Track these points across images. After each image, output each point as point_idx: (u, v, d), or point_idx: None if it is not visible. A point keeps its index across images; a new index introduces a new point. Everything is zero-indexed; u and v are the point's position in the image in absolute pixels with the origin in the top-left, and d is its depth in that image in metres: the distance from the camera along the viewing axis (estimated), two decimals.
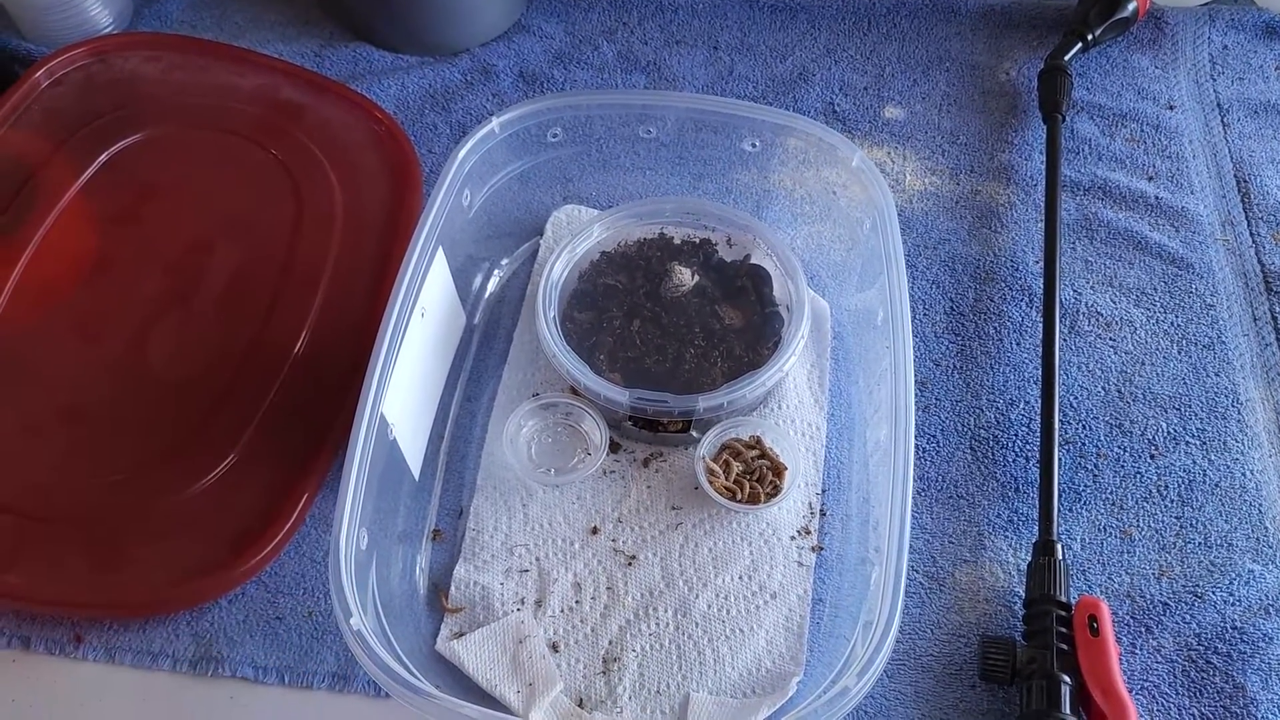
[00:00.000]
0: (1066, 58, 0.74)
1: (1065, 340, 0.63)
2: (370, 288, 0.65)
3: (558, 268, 0.62)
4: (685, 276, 0.62)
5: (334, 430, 0.59)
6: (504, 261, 0.68)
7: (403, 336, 0.55)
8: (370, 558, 0.51)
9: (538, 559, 0.56)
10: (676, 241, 0.65)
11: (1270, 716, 0.51)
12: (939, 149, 0.73)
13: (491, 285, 0.67)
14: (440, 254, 0.59)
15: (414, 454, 0.58)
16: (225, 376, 0.61)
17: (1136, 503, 0.58)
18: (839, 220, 0.66)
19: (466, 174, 0.61)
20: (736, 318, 0.61)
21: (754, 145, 0.66)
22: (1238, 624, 0.53)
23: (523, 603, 0.55)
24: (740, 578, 0.55)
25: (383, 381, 0.53)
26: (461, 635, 0.53)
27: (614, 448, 0.59)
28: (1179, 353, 0.63)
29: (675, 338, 0.60)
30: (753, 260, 0.64)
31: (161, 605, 0.55)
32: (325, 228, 0.68)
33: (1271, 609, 0.54)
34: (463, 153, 0.61)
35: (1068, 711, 0.48)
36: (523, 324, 0.65)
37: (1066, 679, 0.49)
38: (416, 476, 0.58)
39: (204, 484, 0.58)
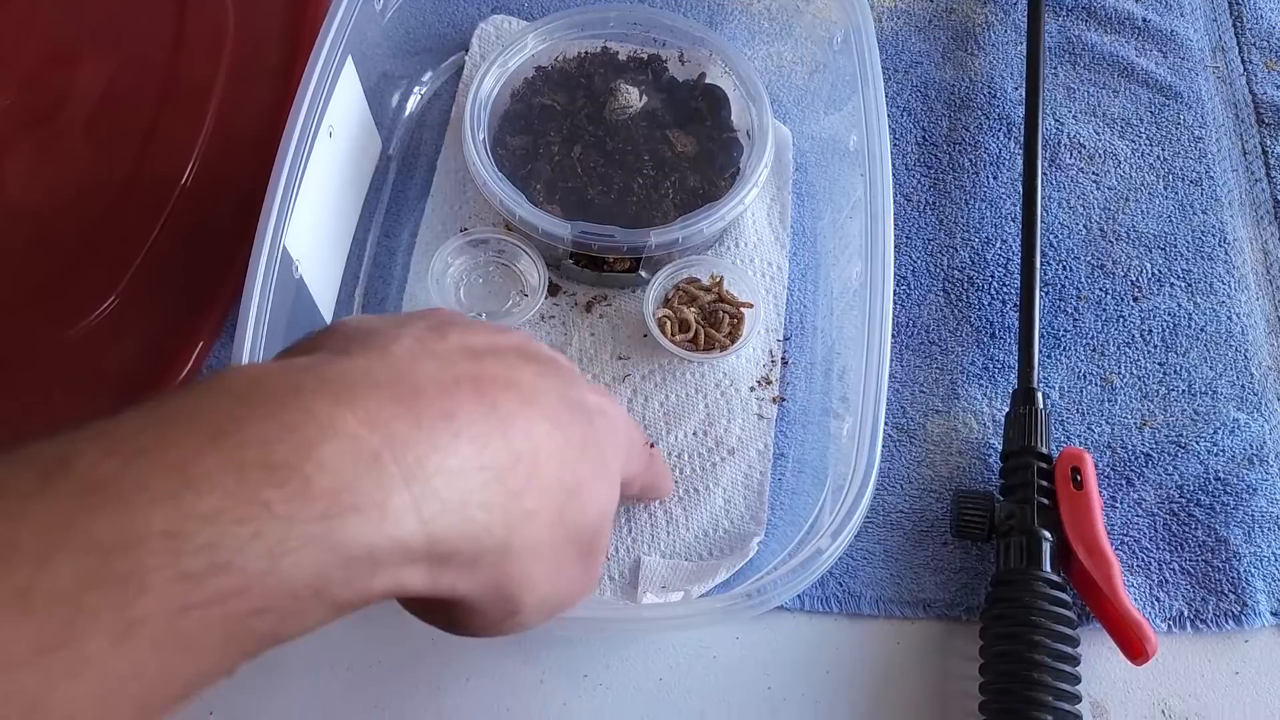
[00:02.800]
0: None
1: (1045, 174, 0.58)
2: (270, 109, 0.56)
3: (487, 84, 0.54)
4: (632, 96, 0.55)
5: (233, 269, 0.52)
6: (425, 78, 0.60)
7: (307, 159, 0.47)
8: None
9: None
10: (622, 57, 0.57)
11: (1253, 570, 0.48)
12: None
13: (411, 106, 0.59)
14: (350, 65, 0.51)
15: (325, 296, 0.51)
16: (99, 208, 0.53)
17: (1118, 348, 0.54)
18: (802, 38, 0.59)
19: None
20: (690, 144, 0.54)
21: None
22: (1221, 475, 0.50)
23: None
24: (695, 433, 0.50)
25: (284, 211, 0.45)
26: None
27: (553, 290, 0.53)
28: (1165, 188, 0.59)
29: (621, 166, 0.53)
30: (708, 80, 0.57)
31: None
32: (214, 39, 0.58)
33: (1256, 459, 0.51)
34: None
35: (1048, 569, 0.45)
36: (447, 150, 0.57)
37: (1047, 535, 0.46)
38: (329, 321, 0.51)
39: (79, 330, 0.50)
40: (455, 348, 0.30)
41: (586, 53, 0.57)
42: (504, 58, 0.55)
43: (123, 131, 0.55)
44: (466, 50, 0.60)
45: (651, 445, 0.41)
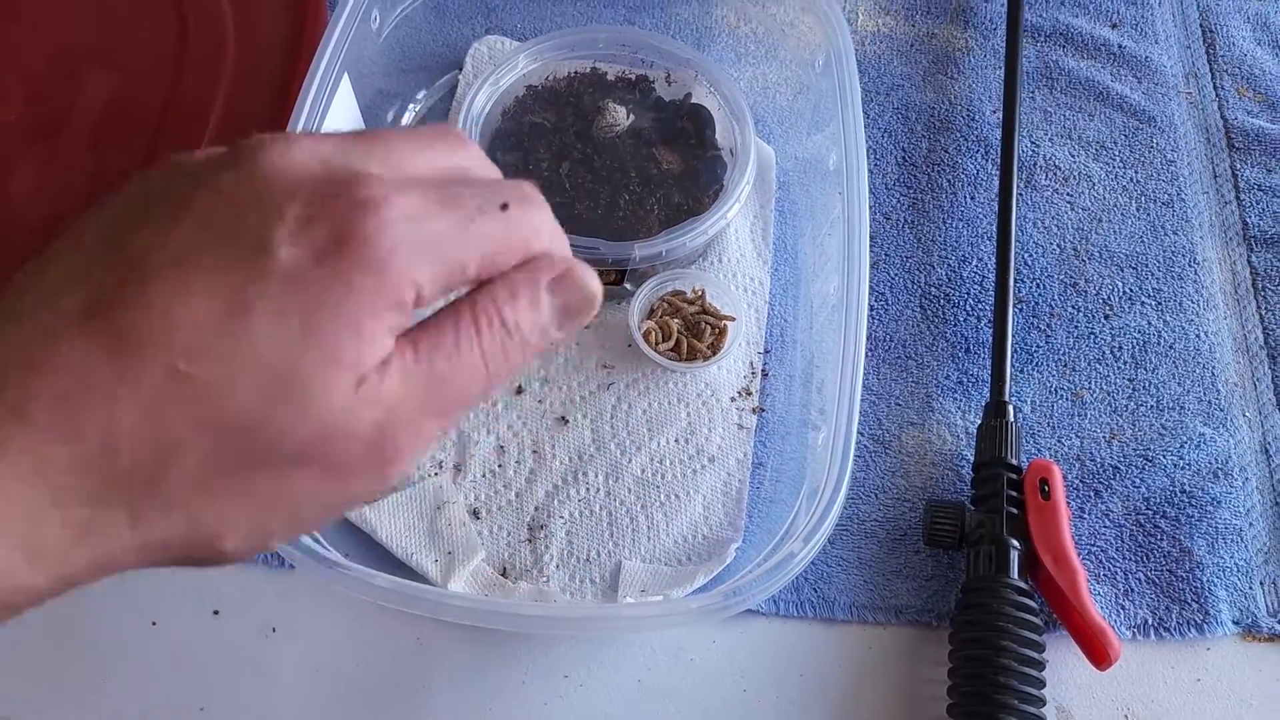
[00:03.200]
0: None
1: (1021, 195, 0.60)
2: (269, 125, 0.57)
3: (479, 102, 0.56)
4: (620, 115, 0.56)
5: None
6: (419, 96, 0.61)
7: None
8: None
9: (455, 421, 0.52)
10: (610, 77, 0.59)
11: (1215, 580, 0.49)
12: None
13: (406, 123, 0.61)
14: (346, 83, 0.53)
15: None
16: None
17: (1089, 364, 0.55)
18: (787, 60, 0.61)
19: None
20: (675, 161, 0.56)
21: None
22: (1186, 488, 0.52)
23: (440, 466, 0.50)
24: (676, 441, 0.51)
25: None
26: (373, 501, 0.49)
27: None
28: (1137, 210, 0.60)
29: (608, 182, 0.55)
30: (694, 99, 0.58)
31: None
32: (215, 56, 0.60)
33: (1220, 472, 0.52)
34: None
35: (1016, 577, 0.46)
36: None
37: (1016, 544, 0.47)
38: None
39: None
40: (84, 298, 0.24)
41: (576, 72, 0.58)
42: (496, 76, 0.56)
43: (125, 145, 0.57)
44: (460, 69, 0.62)
45: (504, 206, 0.27)
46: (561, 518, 0.49)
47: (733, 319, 0.53)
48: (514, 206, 0.27)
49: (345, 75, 0.52)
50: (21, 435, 0.23)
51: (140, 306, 0.24)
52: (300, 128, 0.49)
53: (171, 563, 0.26)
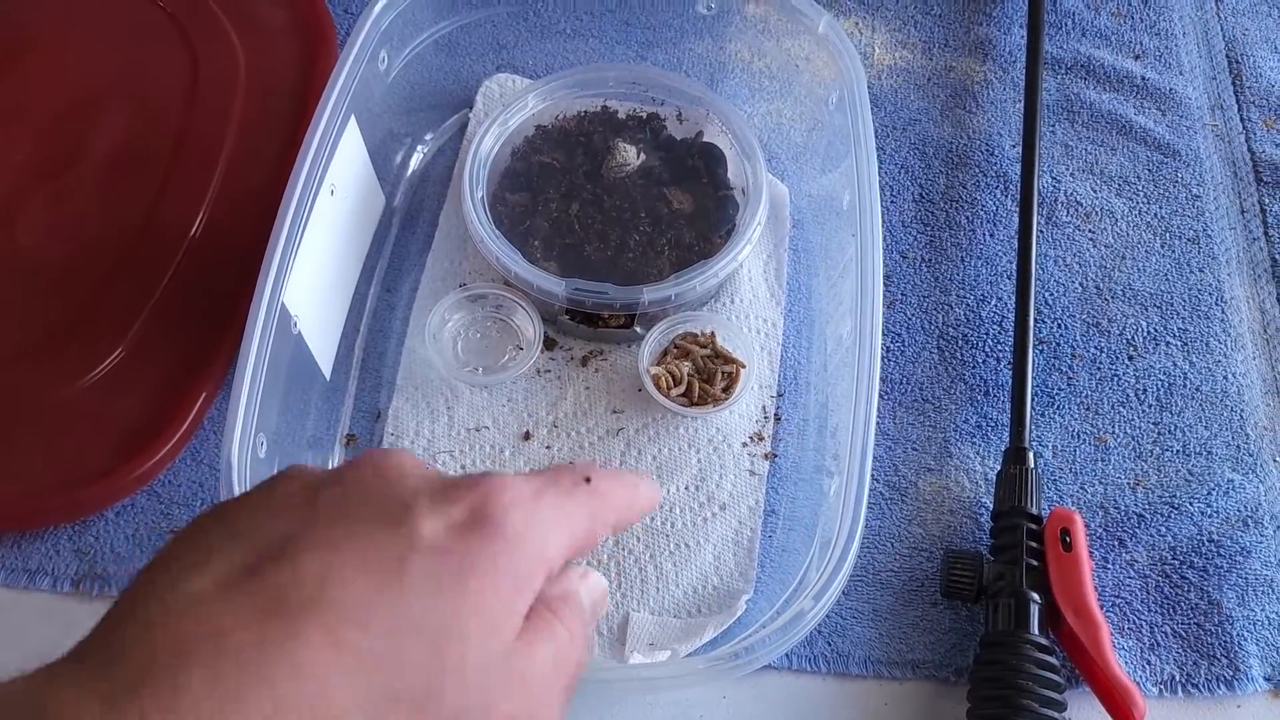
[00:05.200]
0: None
1: (1042, 232, 0.58)
2: (278, 164, 0.56)
3: (487, 143, 0.55)
4: (630, 155, 0.56)
5: (237, 322, 0.52)
6: (428, 137, 0.61)
7: (308, 216, 0.48)
8: (271, 466, 0.45)
9: (463, 467, 0.51)
10: (621, 115, 0.58)
11: (1246, 633, 0.48)
12: (910, 20, 0.67)
13: (414, 163, 0.60)
14: (353, 124, 0.52)
15: (324, 350, 0.52)
16: (110, 260, 0.54)
17: (1113, 407, 0.54)
18: (801, 96, 0.60)
19: (383, 32, 0.54)
20: (686, 201, 0.55)
21: (709, 8, 0.59)
22: (1215, 536, 0.50)
23: None
24: (687, 488, 0.50)
25: (284, 267, 0.46)
26: None
27: (549, 344, 0.54)
28: (1162, 246, 0.59)
29: (618, 223, 0.54)
30: (705, 138, 0.58)
31: (39, 517, 0.49)
32: (225, 95, 0.60)
33: (1250, 520, 0.51)
34: (378, 7, 0.54)
35: (1036, 632, 0.45)
36: (449, 207, 0.58)
37: (1036, 597, 0.46)
38: (328, 376, 0.52)
39: (87, 381, 0.51)
40: (217, 579, 0.25)
41: (586, 111, 0.58)
42: (505, 116, 0.56)
43: (135, 185, 0.57)
44: (471, 108, 0.61)
45: (587, 480, 0.31)
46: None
47: (743, 365, 0.52)
48: (595, 478, 0.31)
49: (353, 116, 0.52)
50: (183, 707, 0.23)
51: (293, 577, 0.25)
52: (306, 169, 0.49)
53: None
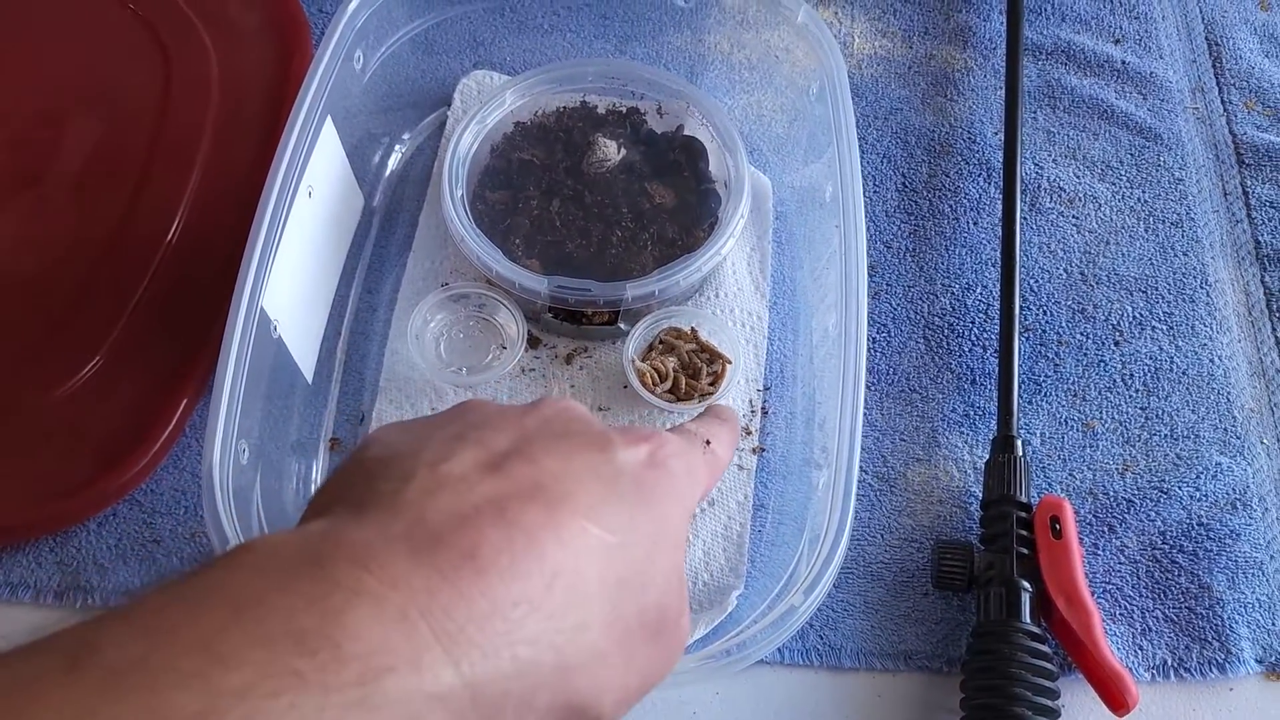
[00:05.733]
0: None
1: (1025, 219, 0.58)
2: (254, 168, 0.56)
3: (465, 141, 0.55)
4: (611, 150, 0.55)
5: (216, 329, 0.51)
6: (406, 136, 0.60)
7: (285, 219, 0.48)
8: (254, 473, 0.45)
9: None
10: (600, 110, 0.58)
11: (1236, 617, 0.48)
12: (890, 8, 0.66)
13: (393, 163, 0.60)
14: (330, 125, 0.52)
15: (305, 354, 0.51)
16: (85, 269, 0.54)
17: (1100, 393, 0.54)
18: (781, 88, 0.60)
19: (358, 31, 0.53)
20: (668, 196, 0.55)
21: (687, 1, 0.59)
22: (1204, 520, 0.50)
23: None
24: None
25: (262, 271, 0.46)
26: None
27: (533, 343, 0.53)
28: (1145, 231, 0.59)
29: (600, 219, 0.54)
30: (686, 131, 0.57)
31: (20, 530, 0.49)
32: (199, 98, 0.59)
33: (1239, 503, 0.51)
34: (352, 6, 0.53)
35: (1028, 620, 0.45)
36: (428, 206, 0.57)
37: (1027, 585, 0.46)
38: (310, 379, 0.51)
39: (65, 391, 0.50)
40: (474, 464, 0.29)
41: (565, 107, 0.57)
42: (483, 114, 0.55)
43: (110, 192, 0.56)
44: (449, 106, 0.61)
45: (707, 442, 0.38)
46: None
47: (729, 361, 0.52)
48: (713, 442, 0.38)
49: (329, 117, 0.51)
50: (472, 575, 0.26)
51: (541, 473, 0.29)
52: (283, 172, 0.48)
53: None
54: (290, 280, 0.48)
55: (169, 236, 0.55)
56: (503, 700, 0.25)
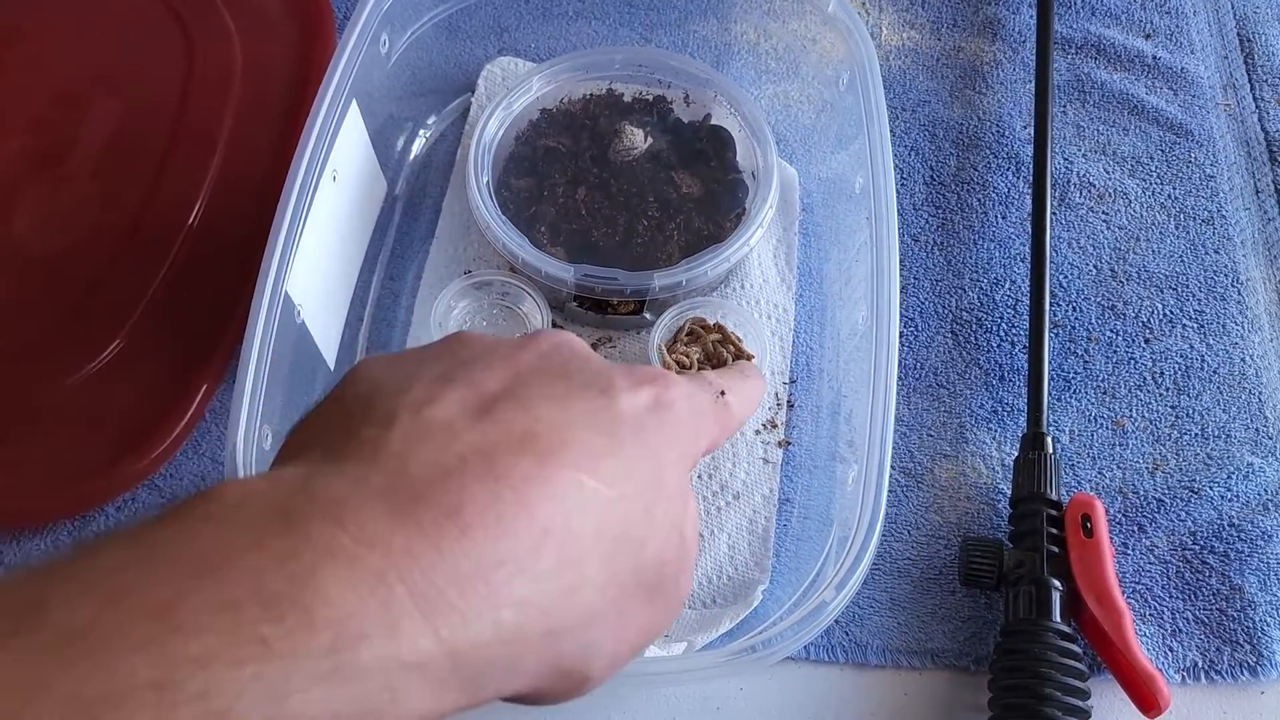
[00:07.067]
0: None
1: (1055, 214, 0.58)
2: (276, 151, 0.56)
3: (491, 127, 0.54)
4: (637, 138, 0.54)
5: (237, 313, 0.52)
6: (430, 121, 0.60)
7: (310, 203, 0.47)
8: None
9: None
10: (627, 98, 0.57)
11: (1269, 619, 0.47)
12: (918, 0, 0.66)
13: (416, 148, 0.59)
14: (354, 109, 0.51)
15: (328, 339, 0.51)
16: (107, 251, 0.53)
17: (1129, 391, 0.53)
18: (810, 78, 0.59)
19: (384, 15, 0.53)
20: (695, 185, 0.54)
21: None
22: (1235, 521, 0.49)
23: None
24: (699, 477, 0.49)
25: (286, 255, 0.45)
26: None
27: None
28: (1176, 228, 0.58)
29: (626, 208, 0.53)
30: (714, 121, 0.57)
31: (39, 514, 0.48)
32: (222, 82, 0.59)
33: (1271, 504, 0.50)
34: None
35: (1058, 619, 0.44)
36: (452, 192, 0.57)
37: (1057, 584, 0.45)
38: (332, 365, 0.51)
39: (85, 374, 0.50)
40: (461, 408, 0.27)
41: (592, 94, 0.57)
42: (508, 100, 0.55)
43: (131, 174, 0.56)
44: (473, 92, 0.60)
45: (722, 393, 0.35)
46: None
47: (751, 357, 0.51)
48: (728, 393, 0.36)
49: (354, 102, 0.51)
50: (455, 534, 0.24)
51: (535, 421, 0.27)
52: (308, 155, 0.47)
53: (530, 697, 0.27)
54: (314, 265, 0.48)
55: (190, 220, 0.54)
56: (486, 667, 0.24)
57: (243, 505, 0.23)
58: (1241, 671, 0.46)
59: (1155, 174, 0.60)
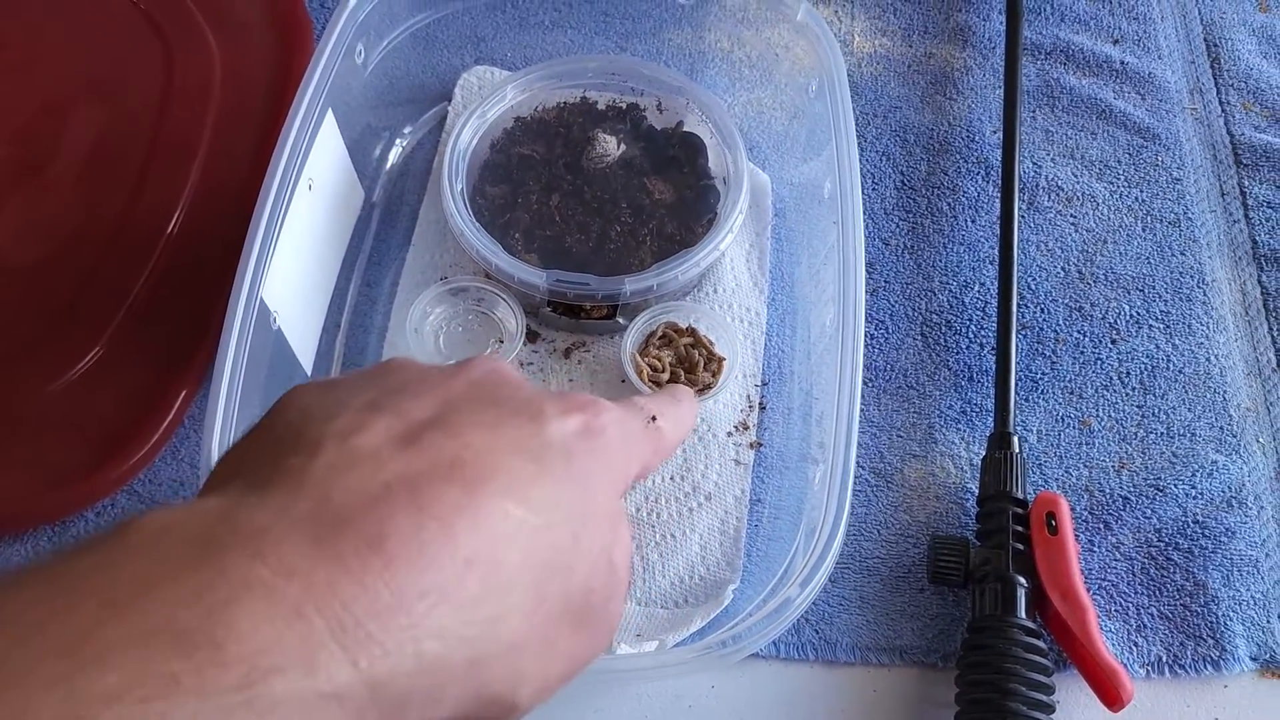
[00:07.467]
0: None
1: (1023, 217, 0.58)
2: (256, 161, 0.56)
3: (465, 135, 0.55)
4: (610, 145, 0.55)
5: (217, 320, 0.51)
6: (407, 130, 0.61)
7: (285, 211, 0.48)
8: None
9: None
10: (600, 106, 0.58)
11: (1231, 614, 0.48)
12: (890, 7, 0.67)
13: (393, 157, 0.60)
14: (330, 118, 0.52)
15: (304, 346, 0.51)
16: (88, 260, 0.54)
17: (1096, 391, 0.54)
18: (781, 85, 0.60)
19: (359, 25, 0.54)
20: (667, 191, 0.55)
21: None
22: (1199, 518, 0.50)
23: None
24: (671, 478, 0.50)
25: (262, 262, 0.46)
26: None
27: (531, 337, 0.54)
28: (1143, 230, 0.59)
29: (599, 214, 0.54)
30: (686, 128, 0.57)
31: (18, 520, 0.49)
32: (202, 92, 0.59)
33: (1234, 501, 0.51)
34: (354, 0, 0.53)
35: (1023, 615, 0.45)
36: (428, 200, 0.58)
37: (1022, 581, 0.46)
38: (309, 372, 0.52)
39: (65, 381, 0.51)
40: (388, 436, 0.27)
41: (565, 102, 0.58)
42: (483, 109, 0.56)
43: (112, 183, 0.56)
44: (449, 101, 0.61)
45: (652, 418, 0.35)
46: None
47: (724, 360, 0.52)
48: (659, 418, 0.36)
49: (330, 110, 0.52)
50: (378, 566, 0.24)
51: (462, 448, 0.27)
52: (283, 165, 0.48)
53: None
54: (290, 272, 0.48)
55: (170, 228, 0.55)
56: (407, 696, 0.24)
57: (162, 536, 0.23)
58: (1205, 666, 0.47)
59: (1123, 177, 0.61)
